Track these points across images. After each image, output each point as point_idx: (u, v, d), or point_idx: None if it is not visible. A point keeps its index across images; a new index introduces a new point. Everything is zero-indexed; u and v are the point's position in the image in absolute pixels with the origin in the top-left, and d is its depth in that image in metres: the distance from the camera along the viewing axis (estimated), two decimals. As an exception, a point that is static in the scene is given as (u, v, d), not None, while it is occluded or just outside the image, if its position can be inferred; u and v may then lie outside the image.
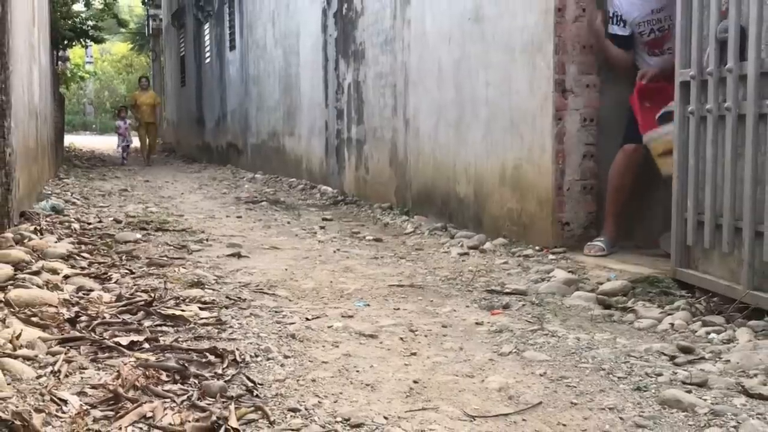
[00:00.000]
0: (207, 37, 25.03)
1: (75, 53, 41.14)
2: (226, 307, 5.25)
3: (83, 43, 29.28)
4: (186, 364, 3.85)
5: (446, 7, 9.13)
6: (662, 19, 6.80)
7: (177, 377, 3.71)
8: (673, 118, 5.73)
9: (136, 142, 25.86)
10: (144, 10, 43.86)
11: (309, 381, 3.80)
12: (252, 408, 3.37)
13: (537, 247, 7.24)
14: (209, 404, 3.38)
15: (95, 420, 3.17)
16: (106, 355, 4.03)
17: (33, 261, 5.95)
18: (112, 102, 59.08)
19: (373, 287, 6.05)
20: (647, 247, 6.93)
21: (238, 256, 7.33)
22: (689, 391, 3.65)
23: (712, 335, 4.57)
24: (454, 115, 8.97)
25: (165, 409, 3.29)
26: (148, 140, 24.38)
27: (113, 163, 23.38)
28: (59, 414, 3.19)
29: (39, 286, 5.18)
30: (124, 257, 6.94)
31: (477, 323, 4.98)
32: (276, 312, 5.18)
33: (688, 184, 5.44)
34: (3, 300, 4.64)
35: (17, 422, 2.96)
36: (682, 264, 5.53)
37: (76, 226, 8.64)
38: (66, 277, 5.72)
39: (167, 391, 3.52)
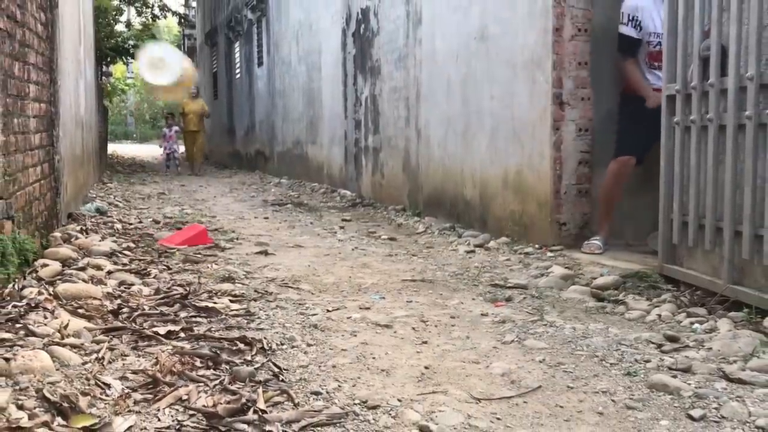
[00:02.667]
0: (237, 55, 25.05)
1: (117, 69, 41.27)
2: (255, 300, 5.27)
3: (125, 59, 29.36)
4: (218, 352, 3.87)
5: (454, 27, 9.13)
6: None
7: (210, 363, 3.73)
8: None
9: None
10: (180, 30, 43.95)
11: (330, 367, 3.81)
12: (278, 391, 3.38)
13: (537, 246, 7.24)
14: (239, 388, 3.40)
15: (136, 402, 3.19)
16: (146, 343, 4.05)
17: (79, 258, 5.97)
18: (151, 113, 59.22)
19: (388, 282, 6.05)
20: (637, 245, 6.93)
21: (266, 253, 7.35)
22: (675, 376, 3.65)
23: (696, 325, 4.57)
24: (462, 125, 8.98)
25: (199, 392, 3.30)
26: (194, 149, 22.09)
27: (153, 169, 23.25)
28: (103, 397, 3.20)
29: (85, 281, 5.21)
30: (161, 254, 6.96)
31: (482, 314, 4.98)
32: (300, 304, 5.19)
33: (673, 188, 5.44)
34: (52, 293, 4.66)
35: (65, 404, 2.98)
36: (669, 261, 5.53)
37: (118, 226, 8.67)
38: (109, 272, 5.74)
39: (201, 376, 3.54)
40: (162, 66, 5.23)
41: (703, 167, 5.12)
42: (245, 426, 2.96)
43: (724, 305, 4.81)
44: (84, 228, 7.71)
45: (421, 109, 10.24)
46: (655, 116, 5.91)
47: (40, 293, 4.61)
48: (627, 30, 6.70)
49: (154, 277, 5.87)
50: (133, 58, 28.51)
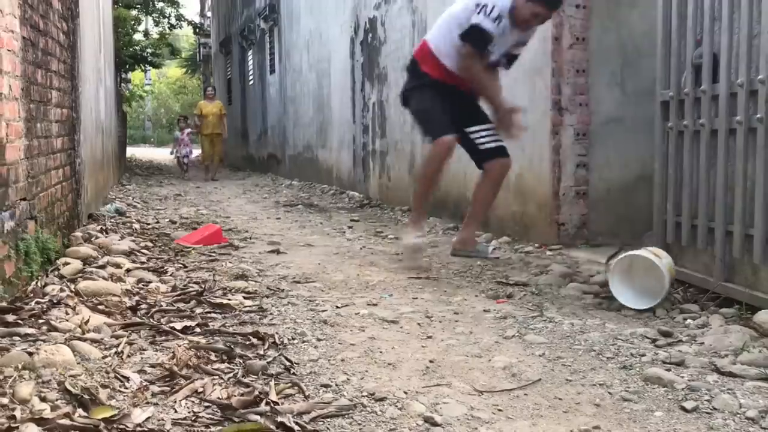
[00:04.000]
0: (250, 63, 25.09)
1: (135, 76, 41.44)
2: (267, 297, 5.27)
3: (143, 67, 29.48)
4: (232, 346, 3.87)
5: (457, 36, 9.12)
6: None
7: (224, 357, 3.73)
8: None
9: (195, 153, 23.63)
10: (195, 39, 44.07)
11: (339, 361, 3.81)
12: (289, 384, 3.38)
13: (537, 245, 7.25)
14: (252, 381, 3.40)
15: (153, 394, 3.19)
16: (163, 338, 4.05)
17: (99, 256, 5.98)
18: (168, 118, 59.42)
19: (394, 279, 6.05)
20: (632, 244, 6.91)
21: (277, 252, 7.35)
22: (668, 370, 3.64)
23: (689, 321, 4.56)
24: (465, 129, 8.97)
25: (214, 385, 3.31)
26: (213, 152, 20.64)
27: (169, 172, 23.23)
28: (122, 389, 3.21)
29: (104, 278, 5.21)
30: (178, 253, 6.97)
31: (485, 311, 4.98)
32: (310, 301, 5.19)
33: (667, 189, 5.43)
34: (73, 290, 4.67)
35: (86, 396, 2.99)
36: (663, 259, 5.53)
37: (136, 226, 8.68)
38: (128, 270, 5.74)
39: (216, 369, 3.54)
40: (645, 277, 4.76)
41: (696, 170, 5.11)
42: (258, 417, 2.96)
43: (716, 302, 4.81)
44: (104, 228, 7.72)
45: (426, 114, 10.23)
46: (454, 96, 6.06)
47: (62, 290, 4.62)
48: (490, 25, 5.98)
49: (170, 275, 5.87)
50: (151, 65, 28.65)
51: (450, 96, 6.36)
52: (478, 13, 6.00)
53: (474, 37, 6.08)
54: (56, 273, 5.18)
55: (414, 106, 6.63)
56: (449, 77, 6.36)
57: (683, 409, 3.19)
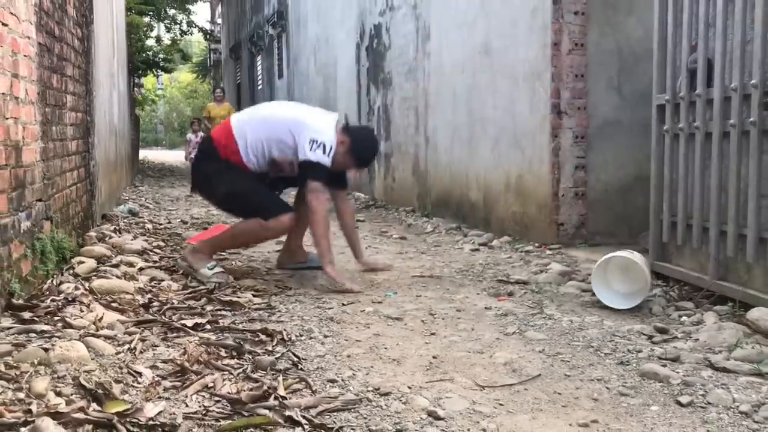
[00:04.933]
0: (259, 67, 25.11)
1: (148, 81, 41.40)
2: (275, 295, 5.28)
3: (155, 72, 29.47)
4: (241, 343, 3.88)
5: (460, 42, 9.14)
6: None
7: (234, 353, 3.73)
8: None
9: None
10: (206, 44, 44.11)
11: (345, 357, 3.81)
12: (297, 379, 3.38)
13: (536, 244, 7.25)
14: (261, 376, 3.40)
15: (165, 389, 3.20)
16: (175, 334, 4.05)
17: (113, 255, 5.98)
18: (179, 122, 59.42)
19: (398, 278, 6.05)
20: (630, 244, 6.91)
21: (285, 251, 7.34)
22: (664, 365, 3.65)
23: (684, 318, 4.57)
24: (467, 133, 8.98)
25: (224, 380, 3.31)
26: None
27: (181, 173, 23.20)
28: (135, 384, 3.21)
29: (118, 277, 5.21)
30: (189, 252, 6.96)
31: (486, 308, 4.98)
32: (317, 299, 5.19)
33: (663, 190, 5.43)
34: (88, 288, 4.68)
35: (100, 391, 2.99)
36: (659, 258, 5.52)
37: (149, 226, 8.68)
38: (141, 269, 5.74)
39: (226, 365, 3.55)
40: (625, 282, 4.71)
41: (691, 171, 5.11)
42: (267, 411, 2.96)
43: (710, 299, 4.81)
44: (117, 228, 7.72)
45: (430, 117, 10.25)
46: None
47: (76, 288, 4.62)
48: (327, 162, 5.67)
49: (182, 274, 5.87)
50: (163, 70, 28.67)
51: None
52: (317, 149, 5.64)
53: (317, 171, 5.69)
54: (71, 271, 5.18)
55: (226, 188, 5.90)
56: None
57: (679, 403, 3.19)
